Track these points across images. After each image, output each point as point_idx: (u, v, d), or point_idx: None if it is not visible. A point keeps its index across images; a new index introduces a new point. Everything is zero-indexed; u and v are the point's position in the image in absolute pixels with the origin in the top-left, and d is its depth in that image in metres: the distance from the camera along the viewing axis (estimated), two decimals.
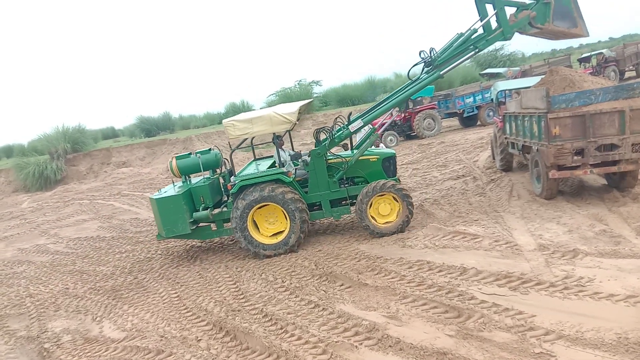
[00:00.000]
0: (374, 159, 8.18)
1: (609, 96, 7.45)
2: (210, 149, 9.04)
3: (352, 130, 8.04)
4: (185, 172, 8.61)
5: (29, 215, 17.30)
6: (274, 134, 7.80)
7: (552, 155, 7.49)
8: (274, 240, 7.77)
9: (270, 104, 33.94)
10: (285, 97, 31.23)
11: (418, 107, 20.62)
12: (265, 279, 6.80)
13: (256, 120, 7.41)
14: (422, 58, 7.88)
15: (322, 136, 8.34)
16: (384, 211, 7.70)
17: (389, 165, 8.28)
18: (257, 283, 6.73)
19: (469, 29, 7.72)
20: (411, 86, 8.05)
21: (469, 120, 21.96)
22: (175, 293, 6.93)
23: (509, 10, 7.75)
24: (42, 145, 26.98)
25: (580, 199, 7.96)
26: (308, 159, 8.10)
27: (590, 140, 7.33)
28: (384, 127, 8.21)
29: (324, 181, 7.93)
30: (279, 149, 8.14)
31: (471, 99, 21.20)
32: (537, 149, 8.15)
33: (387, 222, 7.72)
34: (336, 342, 4.69)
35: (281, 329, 5.19)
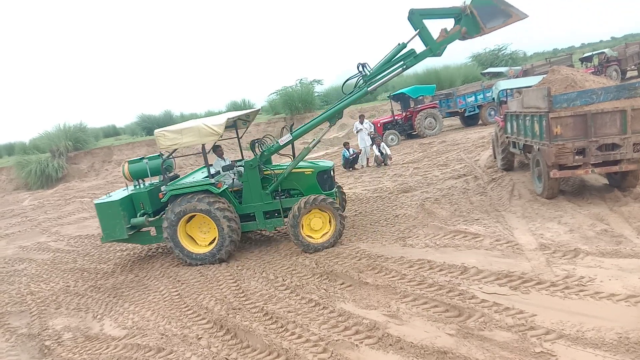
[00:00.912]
0: (309, 172, 8.08)
1: (610, 96, 7.43)
2: (160, 154, 9.14)
3: (281, 144, 8.00)
4: (136, 177, 8.78)
5: (30, 213, 17.33)
6: (202, 145, 7.78)
7: (553, 154, 7.48)
8: (205, 250, 7.84)
9: (272, 103, 33.91)
10: (287, 95, 31.16)
11: (419, 106, 20.62)
12: (265, 278, 6.80)
13: (186, 131, 7.45)
14: (360, 71, 7.72)
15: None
16: (315, 226, 7.65)
17: (326, 178, 8.16)
18: (257, 281, 6.73)
19: (398, 44, 7.51)
20: (341, 100, 7.97)
21: (470, 120, 21.96)
22: (176, 291, 6.94)
23: (446, 23, 7.50)
24: (44, 143, 26.98)
25: (582, 199, 7.95)
26: (242, 169, 8.11)
27: (591, 140, 7.33)
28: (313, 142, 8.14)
29: (257, 192, 7.95)
30: (207, 159, 8.08)
31: (472, 98, 21.20)
32: (538, 149, 8.14)
33: (317, 237, 7.64)
34: (336, 340, 4.69)
35: (282, 327, 5.19)
